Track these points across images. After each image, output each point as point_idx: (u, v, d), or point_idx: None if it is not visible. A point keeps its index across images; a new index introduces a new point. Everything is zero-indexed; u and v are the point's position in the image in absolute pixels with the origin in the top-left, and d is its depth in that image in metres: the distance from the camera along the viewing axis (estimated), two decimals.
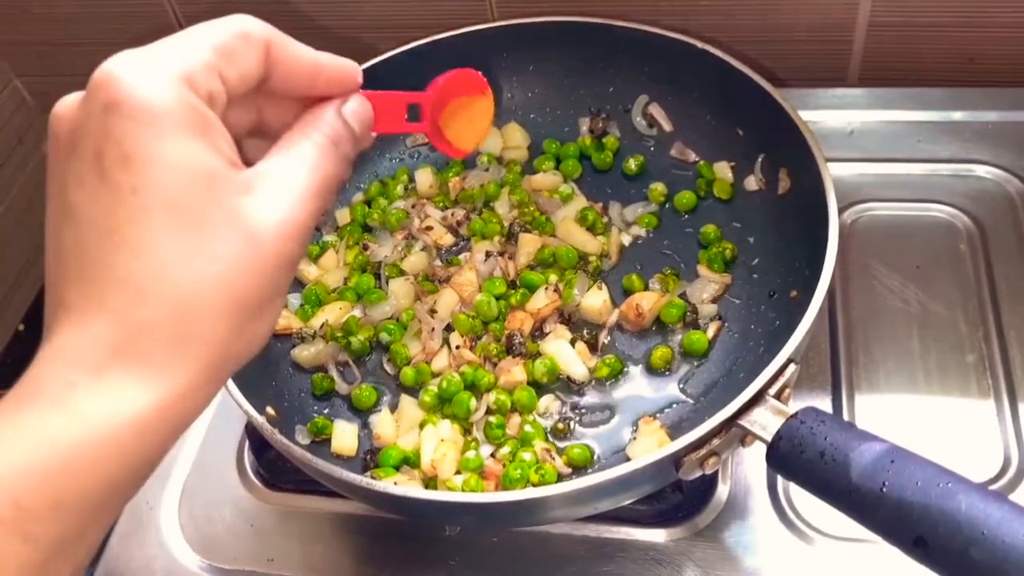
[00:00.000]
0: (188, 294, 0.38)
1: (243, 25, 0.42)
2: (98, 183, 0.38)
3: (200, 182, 0.39)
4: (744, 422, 0.60)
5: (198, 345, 0.39)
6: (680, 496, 0.72)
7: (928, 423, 0.75)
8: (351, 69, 0.47)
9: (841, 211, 0.88)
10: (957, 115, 0.95)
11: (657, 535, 0.72)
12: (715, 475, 0.74)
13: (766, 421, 0.59)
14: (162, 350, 0.38)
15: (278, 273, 0.41)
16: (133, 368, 0.38)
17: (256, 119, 0.46)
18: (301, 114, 0.46)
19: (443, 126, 0.55)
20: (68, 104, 0.41)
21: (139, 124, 0.38)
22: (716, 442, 0.61)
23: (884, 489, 0.52)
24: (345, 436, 0.75)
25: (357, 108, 0.47)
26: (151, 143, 0.38)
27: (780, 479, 0.74)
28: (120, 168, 0.38)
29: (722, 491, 0.74)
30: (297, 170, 0.43)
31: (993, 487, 0.71)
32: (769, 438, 0.58)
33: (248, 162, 0.43)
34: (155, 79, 0.38)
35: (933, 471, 0.52)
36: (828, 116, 0.97)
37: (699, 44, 0.84)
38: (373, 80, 0.88)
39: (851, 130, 0.96)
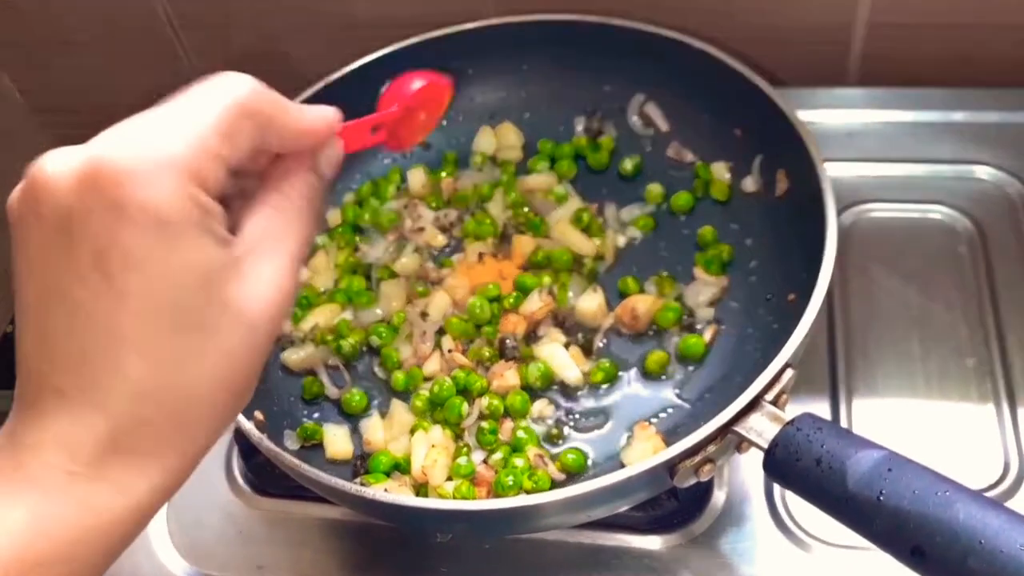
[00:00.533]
0: (188, 391, 0.39)
1: (244, 97, 0.41)
2: (102, 283, 0.37)
3: (202, 280, 0.39)
4: (740, 428, 0.59)
5: (195, 433, 0.41)
6: (676, 503, 0.71)
7: (927, 428, 0.74)
8: (332, 122, 0.47)
9: (840, 212, 0.87)
10: (957, 116, 0.94)
11: (652, 542, 0.71)
12: (711, 481, 0.73)
13: (762, 428, 0.58)
14: (160, 442, 0.39)
15: (266, 351, 0.42)
16: (132, 459, 0.39)
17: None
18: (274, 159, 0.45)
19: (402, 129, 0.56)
20: (56, 177, 0.38)
21: (147, 229, 0.37)
22: (711, 449, 0.60)
23: (881, 498, 0.51)
24: (338, 441, 0.74)
25: (331, 154, 0.47)
26: (158, 247, 0.37)
27: (777, 486, 0.73)
28: (125, 272, 0.37)
29: (718, 497, 0.73)
30: (280, 244, 0.42)
31: (992, 493, 0.70)
32: (765, 445, 0.57)
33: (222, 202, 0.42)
34: (162, 179, 0.37)
35: (931, 479, 0.51)
36: (827, 116, 0.96)
37: (696, 43, 0.83)
38: (367, 78, 0.88)
39: (850, 131, 0.95)
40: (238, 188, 0.44)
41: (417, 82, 0.55)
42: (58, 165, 0.38)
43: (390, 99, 0.55)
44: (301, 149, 0.45)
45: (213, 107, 0.40)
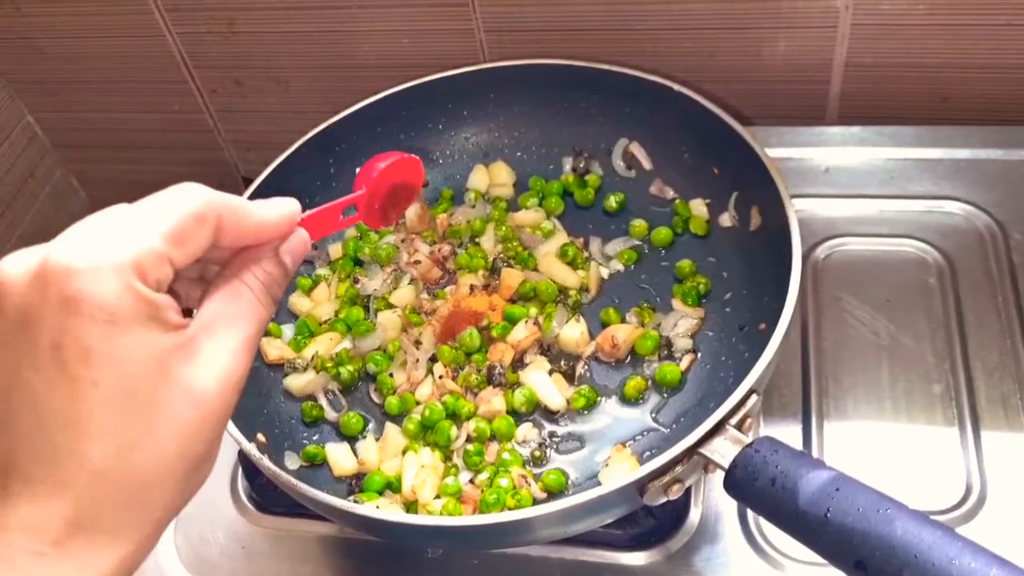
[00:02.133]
0: (145, 469, 0.41)
1: (196, 205, 0.43)
2: (57, 373, 0.40)
3: (153, 366, 0.41)
4: (705, 450, 0.63)
5: (154, 507, 0.43)
6: (653, 521, 0.75)
7: (894, 451, 0.77)
8: (290, 217, 0.49)
9: (815, 246, 0.92)
10: (930, 152, 0.98)
11: (631, 558, 0.75)
12: (687, 500, 0.76)
13: (725, 450, 0.62)
14: (121, 519, 0.42)
15: (222, 424, 0.44)
16: (95, 537, 0.41)
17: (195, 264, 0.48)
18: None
19: (378, 208, 0.59)
20: (14, 277, 0.41)
21: (97, 322, 0.39)
22: (679, 469, 0.63)
23: (828, 515, 0.55)
24: (343, 459, 0.78)
25: (294, 246, 0.49)
26: (109, 339, 0.40)
27: None
28: (80, 363, 0.40)
29: (694, 516, 0.76)
30: (234, 326, 0.45)
31: (955, 513, 0.73)
32: (726, 466, 0.61)
33: (183, 295, 0.46)
34: (108, 277, 0.40)
35: (874, 498, 0.55)
36: (806, 153, 1.00)
37: (676, 87, 0.88)
38: (367, 118, 0.93)
39: (827, 167, 0.99)
40: (203, 272, 0.48)
41: (382, 163, 0.58)
42: (15, 266, 0.41)
43: (360, 182, 0.58)
44: (261, 243, 0.47)
45: (164, 213, 0.42)
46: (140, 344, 0.41)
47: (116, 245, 0.41)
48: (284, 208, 0.48)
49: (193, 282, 0.49)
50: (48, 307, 0.40)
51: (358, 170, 0.58)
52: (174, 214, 0.42)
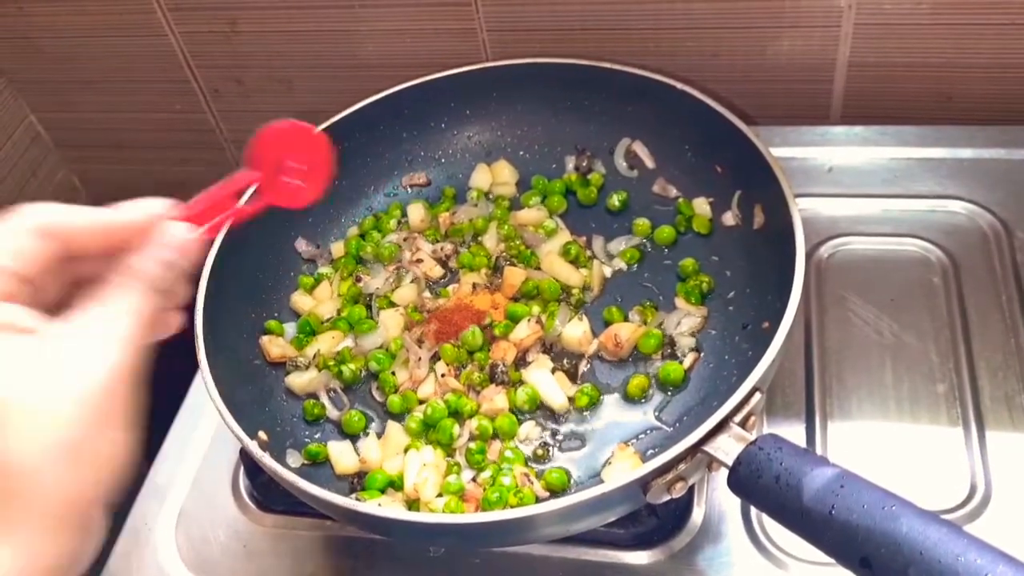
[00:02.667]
0: (19, 464, 0.41)
1: (36, 223, 0.47)
2: None
3: (13, 367, 0.42)
4: (708, 448, 0.63)
5: (39, 505, 0.42)
6: (656, 520, 0.74)
7: (898, 450, 0.77)
8: (153, 214, 0.50)
9: (818, 245, 0.92)
10: (933, 152, 0.98)
11: (634, 557, 0.74)
12: (690, 500, 0.76)
13: (728, 447, 0.62)
14: (3, 517, 0.41)
15: (109, 417, 0.44)
16: None
17: (74, 273, 0.50)
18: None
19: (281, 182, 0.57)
20: None
21: None
22: (682, 467, 0.63)
23: (833, 512, 0.55)
24: (345, 457, 0.78)
25: (168, 240, 0.50)
26: None
27: None
28: None
29: (697, 515, 0.76)
30: (109, 323, 0.46)
31: (959, 513, 0.73)
32: (730, 463, 0.61)
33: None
34: None
35: (879, 495, 0.54)
36: (809, 152, 1.00)
37: (679, 85, 0.88)
38: (369, 117, 0.93)
39: (830, 167, 0.99)
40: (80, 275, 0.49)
41: (268, 133, 0.56)
42: None
43: (251, 160, 0.56)
44: (121, 245, 0.49)
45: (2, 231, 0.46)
46: None
47: None
48: (144, 206, 0.50)
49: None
50: None
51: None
52: (9, 231, 0.46)
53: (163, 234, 0.50)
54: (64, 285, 0.49)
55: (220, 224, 0.54)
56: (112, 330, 0.46)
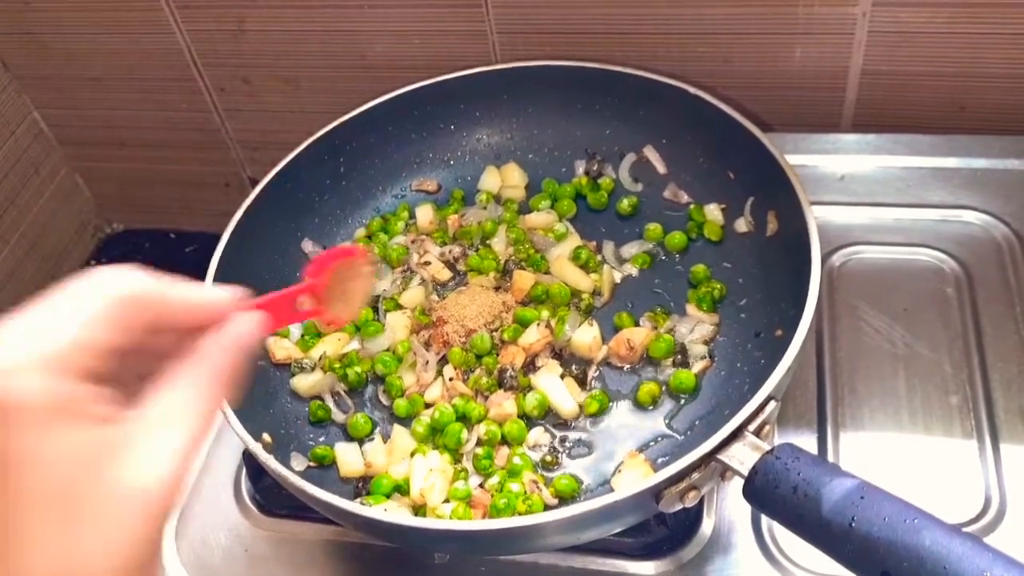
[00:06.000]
0: (87, 573, 0.39)
1: (116, 289, 0.42)
2: None
3: (79, 467, 0.39)
4: (723, 457, 0.62)
5: None
6: (665, 530, 0.73)
7: (911, 462, 0.76)
8: (230, 300, 0.48)
9: (831, 254, 0.91)
10: (947, 161, 0.97)
11: (642, 567, 0.73)
12: (700, 509, 0.75)
13: (744, 456, 0.61)
14: None
15: (165, 518, 0.42)
16: None
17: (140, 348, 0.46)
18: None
19: (328, 300, 0.58)
20: None
21: (20, 425, 0.38)
22: (696, 476, 0.62)
23: (853, 524, 0.54)
24: (350, 458, 0.77)
25: (240, 330, 0.47)
26: (28, 442, 0.38)
27: (764, 515, 0.75)
28: (8, 469, 0.38)
29: (707, 525, 0.75)
30: (180, 420, 0.42)
31: (974, 527, 0.72)
32: (746, 473, 0.60)
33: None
34: (29, 376, 0.38)
35: (900, 507, 0.53)
36: (821, 160, 0.99)
37: (692, 90, 0.87)
38: (377, 118, 0.92)
39: (842, 175, 0.98)
40: (146, 366, 0.45)
41: (326, 258, 0.58)
42: None
43: (310, 272, 0.57)
44: (200, 324, 0.46)
45: (88, 303, 0.41)
46: (61, 445, 0.39)
47: (37, 342, 0.39)
48: (221, 292, 0.48)
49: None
50: None
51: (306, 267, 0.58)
52: (91, 301, 0.41)
53: (237, 323, 0.47)
54: (144, 359, 0.45)
55: (278, 325, 0.53)
56: (177, 437, 0.42)
